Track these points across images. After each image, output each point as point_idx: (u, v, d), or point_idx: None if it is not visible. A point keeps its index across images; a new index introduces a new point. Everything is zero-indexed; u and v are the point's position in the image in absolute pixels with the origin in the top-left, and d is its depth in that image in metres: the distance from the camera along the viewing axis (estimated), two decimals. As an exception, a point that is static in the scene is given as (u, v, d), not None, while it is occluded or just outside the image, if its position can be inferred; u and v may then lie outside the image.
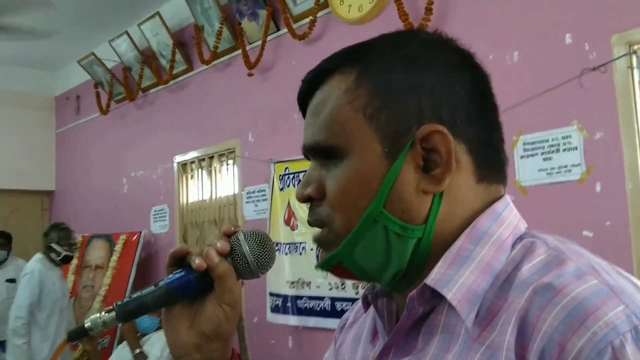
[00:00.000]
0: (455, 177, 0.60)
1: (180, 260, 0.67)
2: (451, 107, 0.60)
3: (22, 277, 4.32)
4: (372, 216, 0.60)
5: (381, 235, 0.60)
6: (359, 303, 0.76)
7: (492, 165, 0.63)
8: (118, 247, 5.21)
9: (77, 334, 0.67)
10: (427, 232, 0.60)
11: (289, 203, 3.79)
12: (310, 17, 3.58)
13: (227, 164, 4.61)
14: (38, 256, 4.42)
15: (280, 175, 3.90)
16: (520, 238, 0.61)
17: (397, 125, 0.60)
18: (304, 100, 0.68)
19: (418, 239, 0.60)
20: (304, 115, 0.68)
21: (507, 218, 0.62)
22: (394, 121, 0.60)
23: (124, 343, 3.25)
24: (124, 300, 0.66)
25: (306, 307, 3.65)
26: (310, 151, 0.66)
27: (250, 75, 4.10)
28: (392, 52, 0.62)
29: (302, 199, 0.65)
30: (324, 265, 0.64)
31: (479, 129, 0.62)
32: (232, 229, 0.68)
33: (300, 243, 3.70)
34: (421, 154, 0.60)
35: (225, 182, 4.64)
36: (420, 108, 0.60)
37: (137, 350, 3.13)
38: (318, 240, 0.65)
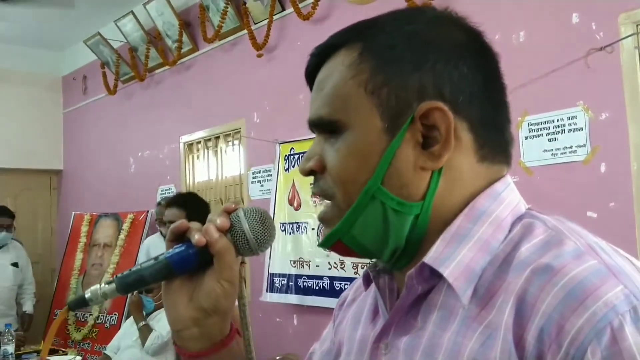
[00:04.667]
0: (455, 155, 0.60)
1: (180, 235, 0.68)
2: (453, 84, 0.59)
3: None
4: (371, 192, 0.60)
5: (379, 211, 0.60)
6: (359, 281, 0.76)
7: (495, 146, 0.62)
8: (126, 225, 5.26)
9: (77, 304, 0.68)
10: (424, 208, 0.60)
11: (293, 183, 3.80)
12: (315, -4, 3.56)
13: (233, 144, 4.62)
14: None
15: (285, 155, 3.91)
16: (519, 218, 0.60)
17: (398, 101, 0.60)
18: (311, 75, 0.68)
19: (415, 215, 0.60)
20: (311, 89, 0.68)
21: (507, 198, 0.61)
22: (395, 97, 0.60)
23: (131, 319, 3.32)
24: (124, 273, 0.67)
25: (305, 286, 3.69)
26: (314, 125, 0.66)
27: (259, 56, 4.09)
28: (396, 28, 0.62)
29: (305, 172, 0.66)
30: (325, 243, 0.65)
31: (482, 109, 0.61)
32: (233, 206, 0.68)
33: (302, 222, 3.73)
34: (421, 131, 0.59)
35: (231, 162, 4.65)
36: (422, 85, 0.59)
37: (142, 323, 3.23)
38: (322, 218, 0.66)
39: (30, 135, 6.46)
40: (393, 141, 0.60)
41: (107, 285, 0.66)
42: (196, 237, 0.65)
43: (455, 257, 0.58)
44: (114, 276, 0.67)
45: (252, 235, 0.67)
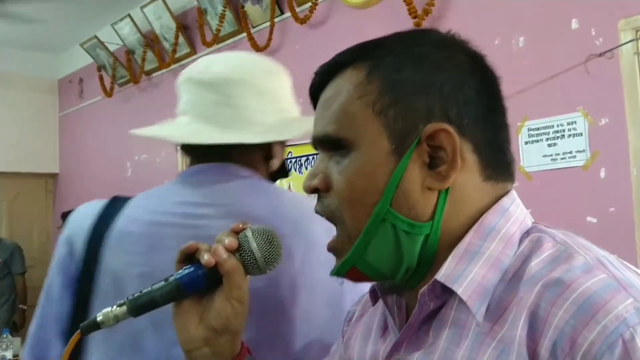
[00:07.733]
0: (460, 175, 0.61)
1: (189, 256, 0.69)
2: (459, 107, 0.61)
3: None
4: (381, 215, 0.60)
5: (390, 234, 0.61)
6: (366, 296, 0.76)
7: (498, 166, 0.64)
8: (122, 230, 5.24)
9: (90, 328, 0.68)
10: (434, 228, 0.61)
11: (289, 187, 3.79)
12: (312, 0, 3.55)
13: (231, 148, 4.61)
14: None
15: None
16: (527, 232, 0.62)
17: (405, 122, 0.61)
18: (315, 93, 0.68)
19: (426, 235, 0.61)
20: (314, 107, 0.69)
21: (514, 213, 0.63)
22: (402, 118, 0.61)
23: None
24: (135, 295, 0.68)
25: None
26: (319, 142, 0.66)
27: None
28: (403, 50, 0.63)
29: (309, 189, 0.66)
30: (338, 271, 0.65)
31: (485, 130, 0.62)
32: (241, 226, 0.69)
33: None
34: (427, 152, 0.60)
35: (228, 166, 4.64)
36: (429, 107, 0.61)
37: None
38: (332, 247, 0.66)
39: (26, 139, 6.44)
40: (400, 162, 0.60)
41: (118, 308, 0.67)
42: (205, 258, 0.66)
43: (468, 274, 0.59)
44: (126, 297, 0.68)
45: (261, 255, 0.68)
